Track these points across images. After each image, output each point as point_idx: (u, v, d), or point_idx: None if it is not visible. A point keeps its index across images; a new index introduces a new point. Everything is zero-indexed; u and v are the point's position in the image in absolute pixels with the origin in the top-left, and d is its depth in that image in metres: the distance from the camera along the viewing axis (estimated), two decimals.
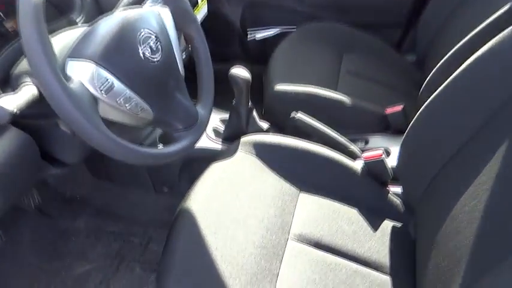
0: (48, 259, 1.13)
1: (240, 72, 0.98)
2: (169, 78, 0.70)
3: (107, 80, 0.61)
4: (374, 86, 1.25)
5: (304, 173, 0.92)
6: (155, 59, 0.66)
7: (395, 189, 0.95)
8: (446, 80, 0.73)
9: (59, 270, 1.11)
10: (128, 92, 0.63)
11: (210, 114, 0.79)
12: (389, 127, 1.12)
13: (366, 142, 1.10)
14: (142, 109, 0.66)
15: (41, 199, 1.16)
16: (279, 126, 1.18)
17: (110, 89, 0.61)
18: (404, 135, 0.85)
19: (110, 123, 0.62)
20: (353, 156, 1.02)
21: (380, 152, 0.93)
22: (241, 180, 0.87)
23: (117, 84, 0.62)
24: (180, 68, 0.74)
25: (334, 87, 1.21)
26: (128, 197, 1.24)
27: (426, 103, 0.77)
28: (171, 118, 0.72)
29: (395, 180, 0.95)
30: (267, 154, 0.93)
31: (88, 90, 0.59)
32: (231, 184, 0.86)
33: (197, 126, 0.75)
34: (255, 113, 1.07)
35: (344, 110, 1.14)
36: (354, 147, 1.03)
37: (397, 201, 0.93)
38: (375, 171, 0.93)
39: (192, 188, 0.85)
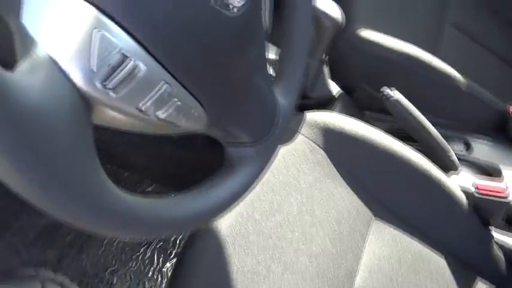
0: None
1: (329, 8, 0.62)
2: (250, 46, 0.33)
3: (125, 56, 0.24)
4: (491, 58, 0.89)
5: (384, 189, 0.63)
6: (236, 4, 0.28)
7: (500, 237, 0.67)
8: None
9: None
10: (170, 84, 0.27)
11: (293, 106, 0.42)
12: (502, 129, 0.80)
13: (467, 147, 0.78)
14: (188, 116, 0.30)
15: None
16: (345, 88, 0.85)
17: (128, 79, 0.25)
18: None
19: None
20: (449, 167, 0.72)
21: (503, 185, 0.62)
22: (296, 189, 0.57)
23: (147, 67, 0.25)
24: (264, 23, 0.36)
25: (432, 50, 0.84)
26: None
27: None
28: (236, 126, 0.35)
29: (505, 223, 0.67)
30: (340, 149, 0.62)
31: (72, 86, 0.23)
32: (282, 195, 0.56)
33: (275, 134, 0.38)
34: (326, 69, 0.73)
35: (446, 91, 0.79)
36: (454, 157, 0.72)
37: (499, 254, 0.66)
38: (484, 208, 0.64)
39: None
